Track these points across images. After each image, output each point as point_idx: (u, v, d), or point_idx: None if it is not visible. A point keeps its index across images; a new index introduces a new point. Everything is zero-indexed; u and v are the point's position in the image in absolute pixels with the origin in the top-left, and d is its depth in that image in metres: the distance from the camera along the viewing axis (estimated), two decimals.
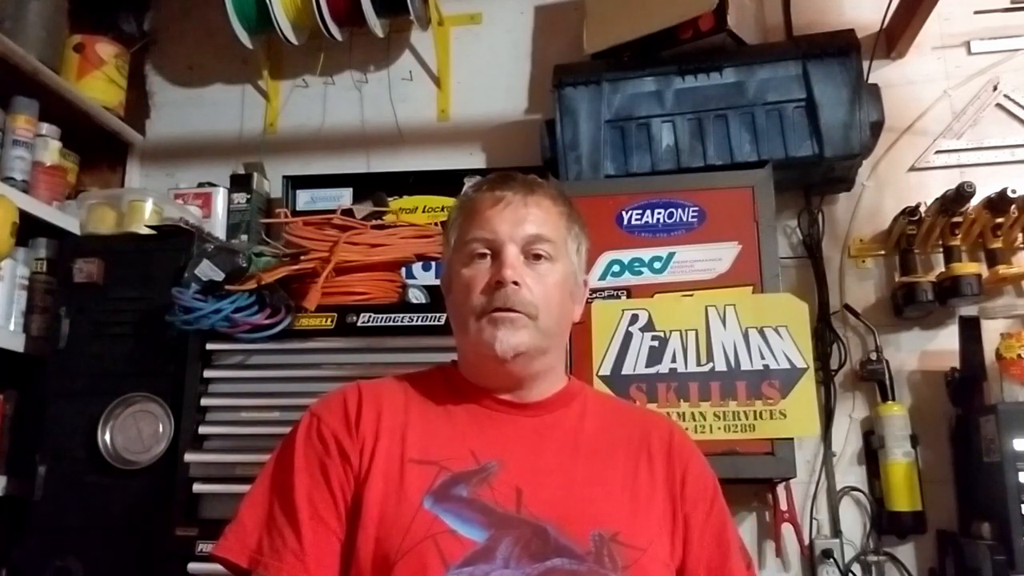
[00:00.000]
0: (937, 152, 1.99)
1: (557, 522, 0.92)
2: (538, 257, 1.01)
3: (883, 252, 1.96)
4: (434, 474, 0.94)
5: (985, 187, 1.76)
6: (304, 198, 2.21)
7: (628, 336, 1.67)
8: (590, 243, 1.12)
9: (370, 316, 1.60)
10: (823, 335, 1.90)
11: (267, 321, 1.59)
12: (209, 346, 1.64)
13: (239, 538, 0.96)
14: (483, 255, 1.02)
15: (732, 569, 0.99)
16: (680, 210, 1.78)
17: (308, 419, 1.02)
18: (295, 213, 2.10)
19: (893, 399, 1.84)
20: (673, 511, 1.00)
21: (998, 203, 1.74)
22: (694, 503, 1.01)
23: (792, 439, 1.64)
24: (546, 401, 1.04)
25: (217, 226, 2.10)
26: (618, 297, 1.75)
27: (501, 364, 0.99)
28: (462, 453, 0.97)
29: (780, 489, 1.80)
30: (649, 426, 1.07)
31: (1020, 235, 1.82)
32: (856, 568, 1.80)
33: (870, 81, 1.87)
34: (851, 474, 1.87)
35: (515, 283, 0.98)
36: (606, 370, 1.66)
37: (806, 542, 1.83)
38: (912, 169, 1.99)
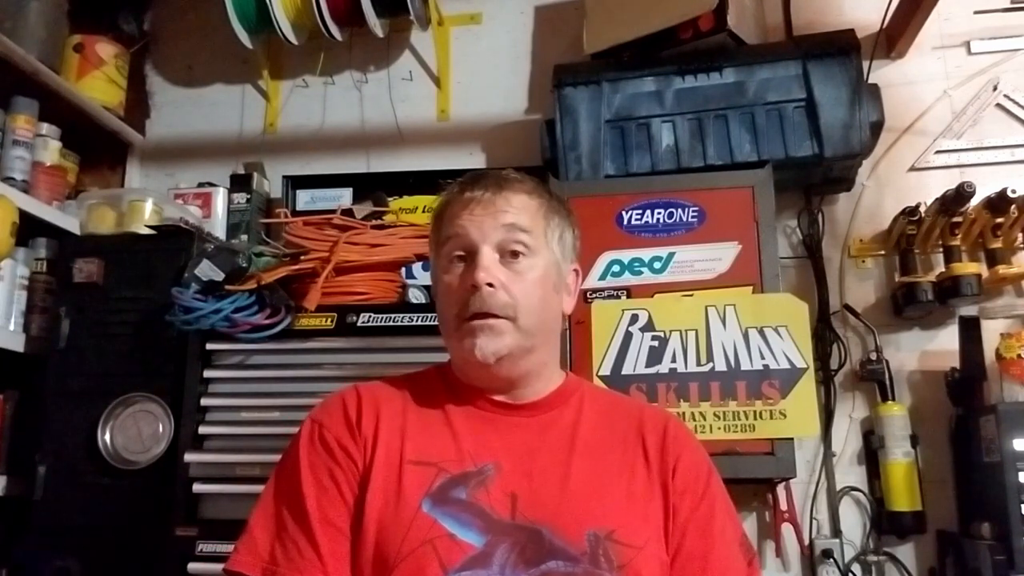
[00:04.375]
0: (937, 152, 1.99)
1: (552, 524, 0.91)
2: (516, 254, 1.00)
3: (883, 252, 1.96)
4: (432, 476, 0.94)
5: (985, 187, 1.76)
6: (304, 198, 2.21)
7: (628, 336, 1.67)
8: (578, 231, 1.10)
9: (370, 316, 1.61)
10: (823, 335, 1.90)
11: (267, 321, 1.59)
12: (209, 346, 1.65)
13: (251, 550, 0.95)
14: (460, 258, 1.01)
15: (715, 563, 0.97)
16: (680, 210, 1.78)
17: (309, 426, 1.01)
18: (295, 213, 2.10)
19: (893, 399, 1.84)
20: (666, 505, 0.99)
21: (998, 203, 1.74)
22: (681, 494, 0.99)
23: (792, 439, 1.64)
24: (542, 401, 1.04)
25: (217, 226, 2.10)
26: (618, 297, 1.75)
27: (486, 369, 0.99)
28: (460, 455, 0.96)
29: (780, 489, 1.80)
30: (644, 420, 1.06)
31: (1020, 235, 1.82)
32: (856, 568, 1.80)
33: (870, 81, 1.87)
34: (851, 474, 1.87)
35: (490, 285, 0.97)
36: (606, 370, 1.66)
37: (806, 542, 1.83)
38: (912, 169, 1.99)
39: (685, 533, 0.98)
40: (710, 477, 1.04)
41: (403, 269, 1.81)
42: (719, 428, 1.61)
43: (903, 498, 1.76)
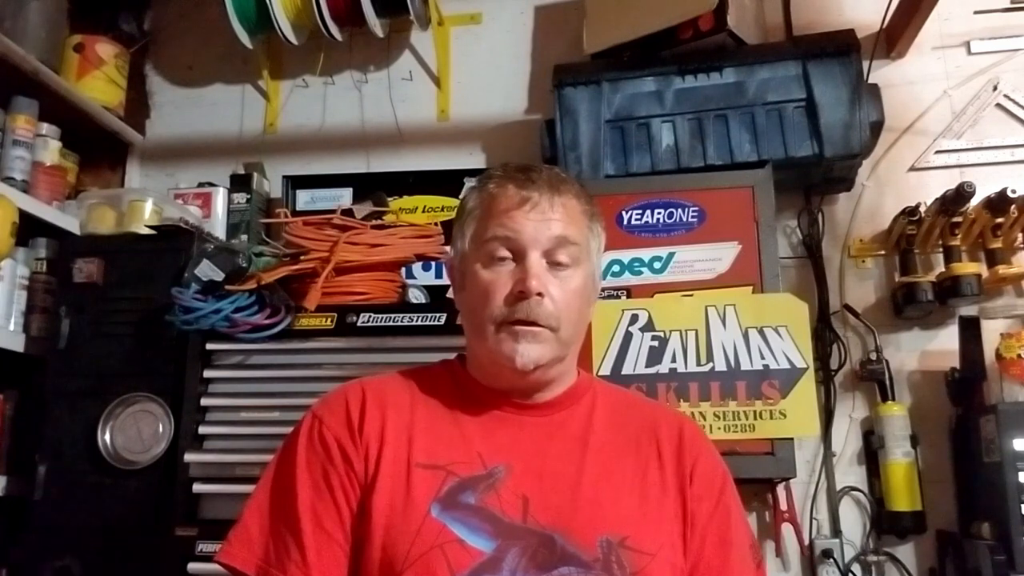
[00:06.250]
0: (937, 152, 1.99)
1: (564, 530, 0.90)
2: (561, 263, 0.98)
3: (883, 252, 1.96)
4: (441, 479, 0.93)
5: (985, 187, 1.76)
6: (304, 198, 2.21)
7: (628, 336, 1.67)
8: (606, 236, 1.09)
9: (370, 316, 1.60)
10: (823, 335, 1.90)
11: (267, 321, 1.59)
12: (209, 346, 1.64)
13: (245, 545, 0.94)
14: (503, 257, 0.98)
15: (732, 569, 0.97)
16: (680, 210, 1.78)
17: (310, 421, 0.99)
18: (295, 213, 2.10)
19: (893, 399, 1.84)
20: (684, 510, 0.98)
21: (998, 203, 1.74)
22: (699, 500, 0.99)
23: (792, 439, 1.64)
24: (555, 400, 1.02)
25: (217, 226, 2.10)
26: (618, 297, 1.75)
27: (521, 376, 0.97)
28: (469, 457, 0.95)
29: (780, 489, 1.80)
30: (659, 422, 1.04)
31: (1020, 235, 1.82)
32: (856, 568, 1.80)
33: (870, 81, 1.87)
34: (851, 474, 1.87)
35: (539, 294, 0.95)
36: (606, 370, 1.66)
37: (806, 542, 1.83)
38: (912, 169, 1.99)
39: (704, 543, 0.97)
40: (725, 481, 1.03)
41: (403, 269, 1.81)
42: (719, 428, 1.61)
43: (903, 498, 1.76)
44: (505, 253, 0.98)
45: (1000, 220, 1.77)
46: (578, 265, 1.00)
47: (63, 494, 1.69)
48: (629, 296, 1.75)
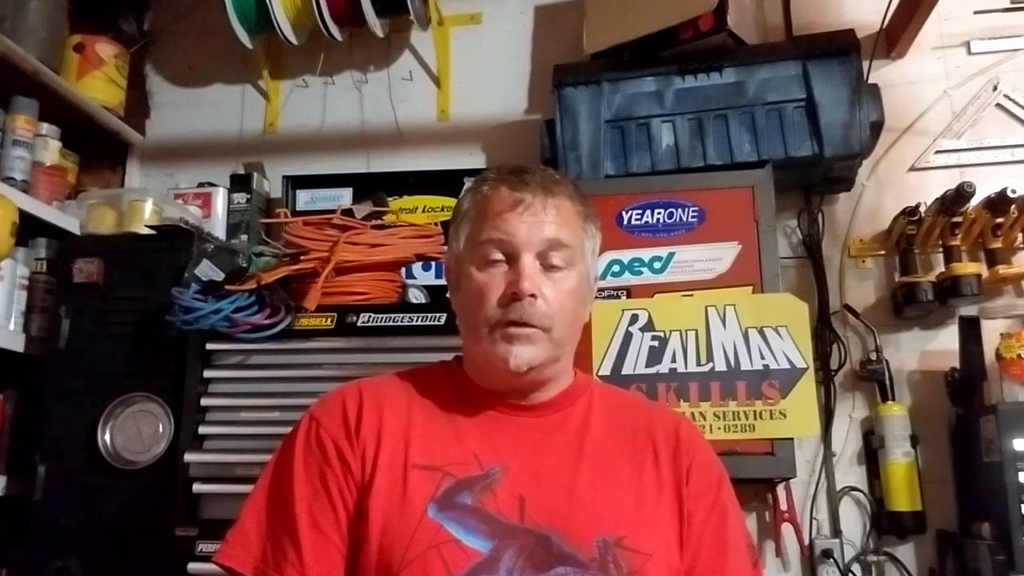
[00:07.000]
0: (937, 152, 1.99)
1: (561, 530, 0.91)
2: (554, 265, 0.99)
3: (883, 252, 1.96)
4: (438, 480, 0.93)
5: (985, 187, 1.76)
6: (304, 198, 2.21)
7: (628, 336, 1.67)
8: (602, 237, 1.09)
9: (370, 316, 1.61)
10: (823, 335, 1.90)
11: (267, 321, 1.59)
12: (209, 346, 1.64)
13: (243, 546, 0.95)
14: (497, 259, 0.98)
15: (729, 568, 0.97)
16: (680, 210, 1.78)
17: (307, 422, 1.00)
18: (295, 213, 2.11)
19: (893, 399, 1.84)
20: (680, 510, 0.98)
21: (998, 203, 1.74)
22: (696, 500, 0.99)
23: (792, 439, 1.64)
24: (552, 401, 1.03)
25: (217, 226, 2.10)
26: (618, 297, 1.75)
27: (515, 378, 0.98)
28: (466, 458, 0.95)
29: (780, 489, 1.80)
30: (655, 422, 1.05)
31: (1020, 235, 1.82)
32: (856, 568, 1.80)
33: (870, 81, 1.87)
34: (851, 474, 1.87)
35: (532, 295, 0.96)
36: (606, 370, 1.66)
37: (806, 542, 1.83)
38: (912, 169, 1.99)
39: (701, 543, 0.97)
40: (721, 481, 1.03)
41: (403, 269, 1.81)
42: (719, 428, 1.61)
43: (903, 498, 1.76)
44: (499, 255, 0.98)
45: (1000, 220, 1.77)
46: (572, 266, 1.00)
47: (63, 494, 1.69)
48: (629, 296, 1.75)
